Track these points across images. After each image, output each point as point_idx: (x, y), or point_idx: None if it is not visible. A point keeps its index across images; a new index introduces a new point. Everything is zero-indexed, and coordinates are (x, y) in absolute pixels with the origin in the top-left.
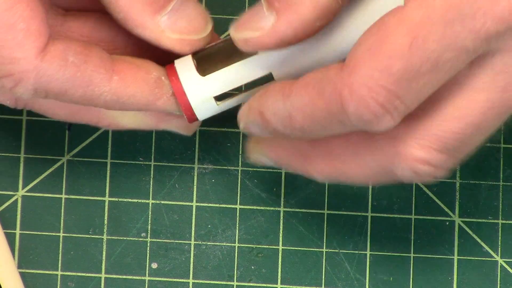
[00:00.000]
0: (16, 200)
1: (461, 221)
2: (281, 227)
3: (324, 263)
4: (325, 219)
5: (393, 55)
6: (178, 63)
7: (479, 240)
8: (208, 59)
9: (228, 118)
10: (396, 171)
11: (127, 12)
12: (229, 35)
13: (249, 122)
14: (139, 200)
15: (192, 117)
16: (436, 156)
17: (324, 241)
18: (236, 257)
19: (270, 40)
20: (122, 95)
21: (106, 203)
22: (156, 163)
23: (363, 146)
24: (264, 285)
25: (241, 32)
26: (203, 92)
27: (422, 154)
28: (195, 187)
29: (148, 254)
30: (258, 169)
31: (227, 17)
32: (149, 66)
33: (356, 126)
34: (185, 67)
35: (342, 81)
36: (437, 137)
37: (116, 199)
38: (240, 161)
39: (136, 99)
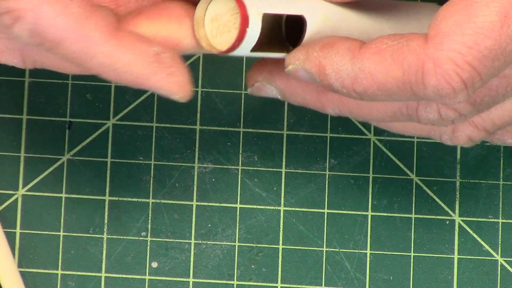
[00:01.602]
0: (16, 199)
1: (461, 220)
2: (281, 226)
3: (324, 262)
4: (325, 218)
5: (483, 32)
6: None
7: (479, 239)
8: None
9: (228, 118)
10: (420, 111)
11: None
12: None
13: (301, 68)
14: (139, 199)
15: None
16: (466, 67)
17: (324, 240)
18: (236, 256)
19: None
20: (117, 61)
21: (106, 202)
22: (156, 162)
23: None
24: (264, 284)
25: None
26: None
27: (453, 61)
28: (195, 186)
29: (148, 253)
30: (258, 169)
31: None
32: (155, 37)
33: (428, 97)
34: None
35: (427, 53)
36: (468, 47)
37: (116, 198)
38: (240, 160)
39: (131, 69)
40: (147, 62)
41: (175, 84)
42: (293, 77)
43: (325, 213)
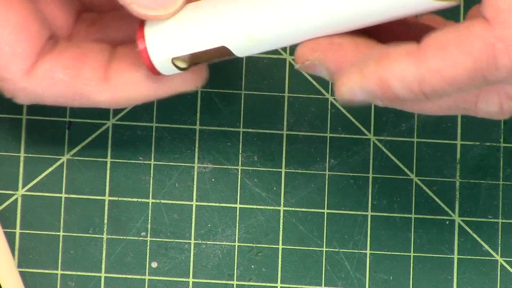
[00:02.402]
0: (16, 199)
1: (461, 220)
2: (281, 226)
3: (324, 262)
4: (325, 218)
5: None
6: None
7: (479, 239)
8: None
9: (228, 118)
10: (479, 104)
11: None
12: None
13: (360, 89)
14: (139, 199)
15: (153, 71)
16: None
17: (324, 240)
18: (236, 256)
19: None
20: (118, 99)
21: (106, 202)
22: (156, 162)
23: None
24: (264, 284)
25: None
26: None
27: None
28: (195, 186)
29: (148, 253)
30: (258, 169)
31: None
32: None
33: (500, 79)
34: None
35: (494, 34)
36: None
37: (116, 198)
38: (240, 160)
39: (134, 98)
40: (147, 88)
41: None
42: (343, 56)
43: (325, 213)
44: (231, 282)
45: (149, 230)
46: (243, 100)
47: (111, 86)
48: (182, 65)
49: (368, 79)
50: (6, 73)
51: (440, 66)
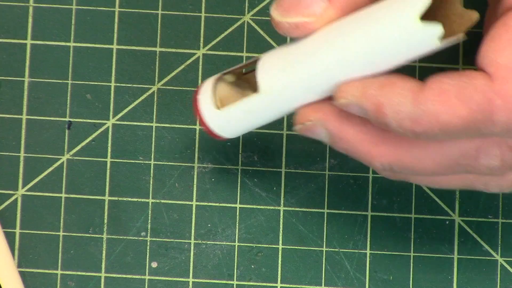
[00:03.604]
0: (16, 199)
1: (461, 220)
2: (281, 226)
3: (324, 262)
4: (325, 218)
5: None
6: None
7: (479, 239)
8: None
9: None
10: (481, 159)
11: None
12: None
13: (356, 104)
14: (139, 199)
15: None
16: None
17: (324, 240)
18: (236, 256)
19: (320, 25)
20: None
21: (106, 202)
22: (156, 162)
23: None
24: (264, 284)
25: (291, 17)
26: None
27: None
28: (195, 186)
29: (148, 253)
30: (258, 169)
31: (227, 16)
32: None
33: (495, 133)
34: (205, 99)
35: (494, 90)
36: None
37: (116, 198)
38: (240, 160)
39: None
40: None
41: None
42: (349, 127)
43: (325, 213)
44: (231, 282)
45: (149, 230)
46: None
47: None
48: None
49: (366, 98)
50: None
51: (436, 112)
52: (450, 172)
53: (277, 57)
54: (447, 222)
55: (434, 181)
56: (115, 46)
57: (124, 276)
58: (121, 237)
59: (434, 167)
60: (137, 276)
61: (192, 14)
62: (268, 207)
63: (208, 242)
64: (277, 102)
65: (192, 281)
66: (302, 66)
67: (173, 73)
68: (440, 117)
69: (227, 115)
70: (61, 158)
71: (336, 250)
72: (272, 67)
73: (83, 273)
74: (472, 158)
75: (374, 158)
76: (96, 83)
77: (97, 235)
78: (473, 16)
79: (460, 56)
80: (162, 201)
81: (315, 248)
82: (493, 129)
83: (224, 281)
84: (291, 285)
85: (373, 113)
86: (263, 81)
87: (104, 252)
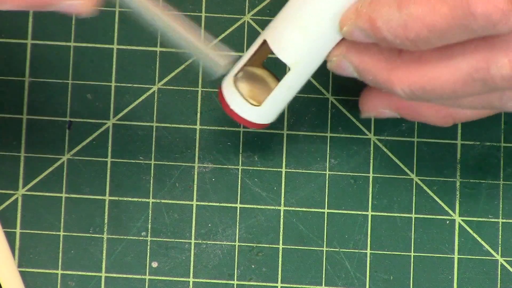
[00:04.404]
0: (16, 199)
1: (462, 220)
2: (281, 226)
3: (324, 262)
4: (325, 218)
5: None
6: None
7: (479, 239)
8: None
9: (228, 117)
10: (492, 69)
11: None
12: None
13: (356, 27)
14: (139, 199)
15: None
16: None
17: (324, 240)
18: (236, 256)
19: None
20: None
21: (106, 202)
22: (156, 162)
23: (457, 47)
24: (264, 284)
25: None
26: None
27: None
28: (195, 186)
29: (148, 253)
30: (258, 169)
31: (227, 16)
32: None
33: (481, 28)
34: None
35: None
36: None
37: (116, 198)
38: (240, 160)
39: None
40: None
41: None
42: (367, 56)
43: (325, 213)
44: (232, 282)
45: (149, 230)
46: None
47: None
48: None
49: (360, 18)
50: None
51: (420, 13)
52: (469, 90)
53: (282, 28)
54: (447, 222)
55: (458, 103)
56: (115, 46)
57: (125, 276)
58: (122, 237)
59: (451, 85)
60: (137, 276)
61: (192, 14)
62: (269, 207)
63: (209, 242)
64: (308, 66)
65: (193, 281)
66: (305, 21)
67: (174, 73)
68: (425, 19)
69: (267, 106)
70: (61, 158)
71: (336, 250)
72: (285, 41)
73: (84, 273)
74: (484, 70)
75: (395, 85)
76: (96, 83)
77: (97, 235)
78: None
79: None
80: (163, 201)
81: (316, 248)
82: (476, 23)
83: (224, 281)
84: (291, 285)
85: (369, 30)
86: (289, 58)
87: (104, 252)
